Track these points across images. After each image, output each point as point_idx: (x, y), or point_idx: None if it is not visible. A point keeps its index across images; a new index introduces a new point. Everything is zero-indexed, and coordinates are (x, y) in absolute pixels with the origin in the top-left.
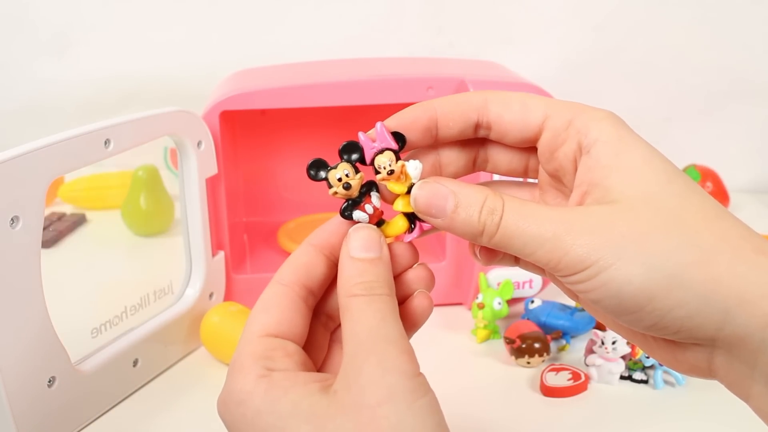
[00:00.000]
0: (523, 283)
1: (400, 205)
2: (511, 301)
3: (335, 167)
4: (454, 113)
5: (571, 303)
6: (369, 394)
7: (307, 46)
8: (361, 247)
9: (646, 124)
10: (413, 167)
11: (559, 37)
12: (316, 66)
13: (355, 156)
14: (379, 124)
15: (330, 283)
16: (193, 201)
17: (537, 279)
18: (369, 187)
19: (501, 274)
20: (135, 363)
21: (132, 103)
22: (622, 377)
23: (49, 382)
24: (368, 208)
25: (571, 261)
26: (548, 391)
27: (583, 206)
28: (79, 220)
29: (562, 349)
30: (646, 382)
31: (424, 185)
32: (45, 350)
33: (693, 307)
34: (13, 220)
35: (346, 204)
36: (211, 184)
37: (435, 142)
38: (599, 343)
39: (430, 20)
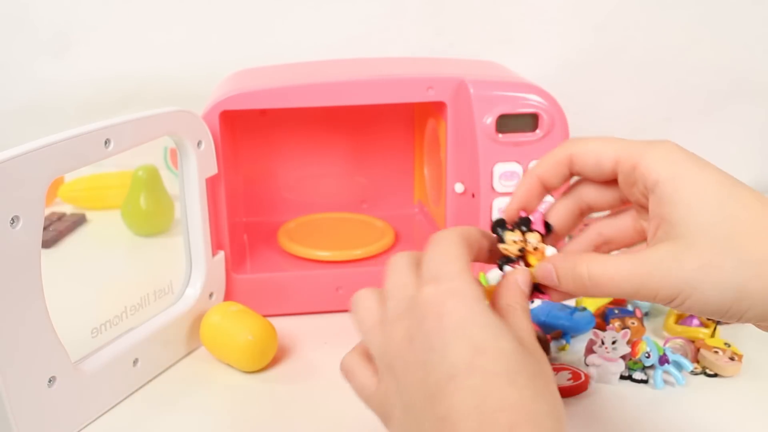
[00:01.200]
0: None
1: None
2: None
3: (512, 231)
4: (551, 174)
5: (571, 303)
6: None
7: (307, 46)
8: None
9: (646, 124)
10: (550, 251)
11: (559, 37)
12: (316, 66)
13: (524, 228)
14: (539, 213)
15: None
16: (193, 201)
17: None
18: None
19: (501, 274)
20: (135, 363)
21: (132, 103)
22: (622, 377)
23: (49, 382)
24: (515, 268)
25: (661, 299)
26: None
27: (655, 248)
28: (79, 220)
29: (562, 349)
30: (646, 382)
31: (541, 264)
32: (45, 350)
33: (760, 310)
34: (13, 220)
35: (504, 257)
36: (211, 184)
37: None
38: (599, 343)
39: (430, 20)
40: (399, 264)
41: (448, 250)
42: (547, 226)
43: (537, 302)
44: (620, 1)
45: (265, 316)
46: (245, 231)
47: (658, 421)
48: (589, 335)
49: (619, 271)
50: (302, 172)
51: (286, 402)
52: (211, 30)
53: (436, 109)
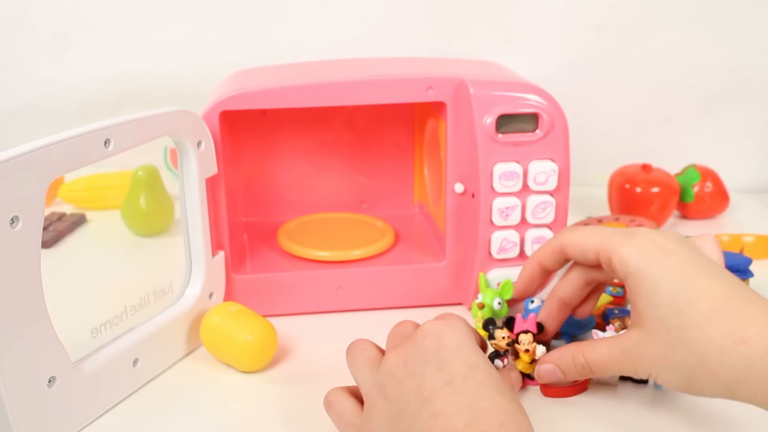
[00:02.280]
0: None
1: (520, 366)
2: (511, 301)
3: (501, 329)
4: (549, 260)
5: None
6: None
7: (307, 47)
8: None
9: (646, 124)
10: (540, 351)
11: (558, 37)
12: (316, 66)
13: (510, 326)
14: (532, 315)
15: None
16: (193, 201)
17: None
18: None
19: (501, 274)
20: (135, 363)
21: (132, 103)
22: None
23: (49, 382)
24: (504, 361)
25: (640, 374)
26: (548, 391)
27: (628, 335)
28: (79, 220)
29: None
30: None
31: (541, 367)
32: (45, 350)
33: (712, 392)
34: (13, 220)
35: (494, 352)
36: (211, 184)
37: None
38: None
39: (430, 20)
40: (398, 325)
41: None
42: (539, 326)
43: (537, 302)
44: (619, 1)
45: (265, 316)
46: (245, 231)
47: (658, 422)
48: (588, 335)
49: (609, 354)
50: (302, 172)
51: (286, 402)
52: (211, 30)
53: (436, 109)
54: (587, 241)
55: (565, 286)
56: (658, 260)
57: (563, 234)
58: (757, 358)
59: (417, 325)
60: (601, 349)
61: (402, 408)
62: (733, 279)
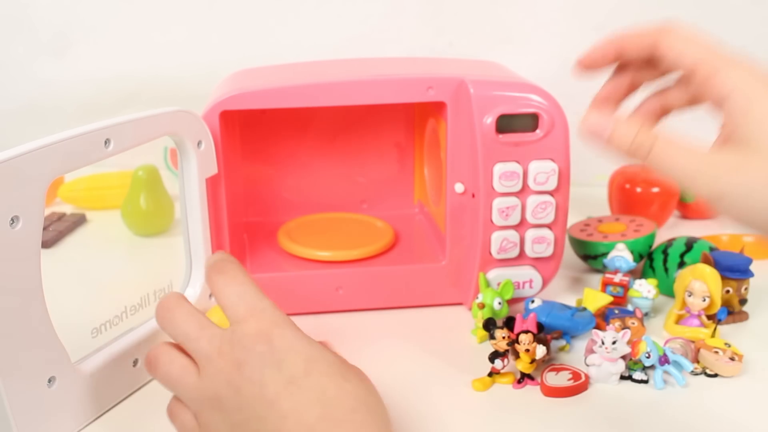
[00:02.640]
0: (523, 283)
1: (520, 366)
2: (511, 301)
3: (501, 328)
4: (634, 43)
5: (571, 303)
6: None
7: (307, 46)
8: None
9: None
10: (540, 351)
11: (559, 37)
12: (316, 66)
13: (510, 326)
14: (533, 315)
15: None
16: (193, 201)
17: (537, 279)
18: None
19: (501, 274)
20: (135, 363)
21: (132, 103)
22: (622, 377)
23: (49, 382)
24: (505, 361)
25: (709, 196)
26: (548, 391)
27: (721, 149)
28: (79, 220)
29: (562, 349)
30: (646, 382)
31: (591, 116)
32: (45, 350)
33: None
34: (13, 220)
35: (494, 352)
36: (211, 184)
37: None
38: (599, 343)
39: (430, 20)
40: (178, 312)
41: (244, 287)
42: (540, 326)
43: (537, 302)
44: (620, 1)
45: None
46: (245, 231)
47: (658, 422)
48: (589, 335)
49: (690, 152)
50: (302, 171)
51: None
52: (211, 30)
53: (436, 109)
54: (689, 48)
55: (611, 85)
56: None
57: (664, 29)
58: None
59: (199, 314)
60: (683, 144)
61: (247, 416)
62: None
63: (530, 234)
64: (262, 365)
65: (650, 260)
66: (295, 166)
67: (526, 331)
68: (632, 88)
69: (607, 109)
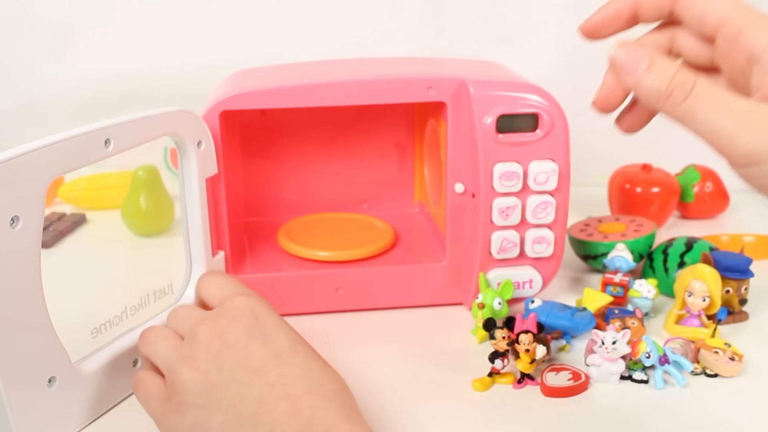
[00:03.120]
0: (523, 283)
1: (520, 366)
2: (511, 301)
3: (501, 329)
4: (651, 4)
5: (571, 303)
6: None
7: (307, 46)
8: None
9: None
10: (540, 351)
11: (559, 37)
12: (316, 66)
13: (510, 326)
14: (533, 315)
15: None
16: (193, 201)
17: (537, 279)
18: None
19: (501, 274)
20: (135, 363)
21: (132, 103)
22: (622, 377)
23: (49, 382)
24: (505, 361)
25: (746, 153)
26: (548, 391)
27: (764, 103)
28: (79, 220)
29: (562, 349)
30: (646, 382)
31: (625, 45)
32: (45, 350)
33: None
34: (13, 220)
35: (494, 352)
36: (211, 184)
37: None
38: (599, 343)
39: (430, 20)
40: (181, 306)
41: (228, 279)
42: (540, 326)
43: (537, 302)
44: None
45: None
46: (245, 231)
47: (658, 422)
48: (589, 335)
49: (723, 98)
50: (302, 171)
51: None
52: (211, 30)
53: (436, 109)
54: (715, 2)
55: (645, 42)
56: None
57: None
58: None
59: (199, 308)
60: (723, 92)
61: (225, 378)
62: None
63: (530, 234)
64: (248, 336)
65: (650, 260)
66: (295, 166)
67: (526, 331)
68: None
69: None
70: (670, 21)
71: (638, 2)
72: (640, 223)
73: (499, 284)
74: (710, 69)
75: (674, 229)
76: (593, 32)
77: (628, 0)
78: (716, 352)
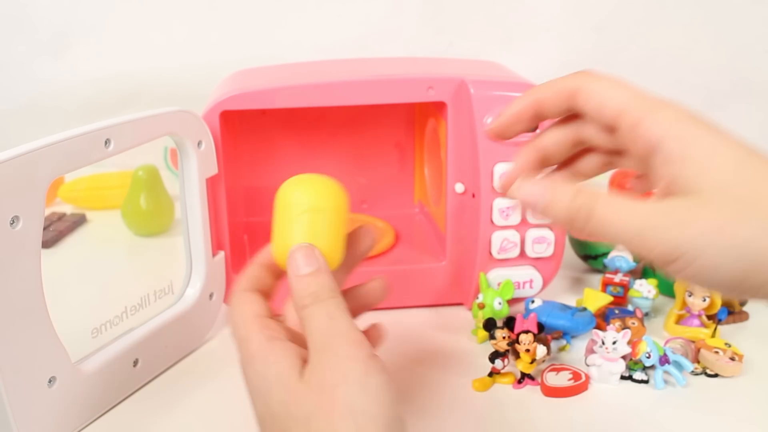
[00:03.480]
0: (523, 283)
1: (521, 366)
2: (511, 301)
3: (501, 329)
4: (552, 102)
5: (571, 303)
6: (328, 379)
7: (307, 47)
8: (303, 265)
9: None
10: (540, 351)
11: (559, 37)
12: (317, 66)
13: (510, 326)
14: (533, 315)
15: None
16: (193, 201)
17: (537, 279)
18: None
19: (501, 274)
20: (135, 363)
21: (132, 103)
22: (622, 377)
23: (49, 382)
24: (505, 361)
25: (661, 254)
26: (548, 391)
27: (667, 200)
28: (79, 220)
29: (562, 349)
30: (646, 382)
31: (522, 186)
32: (45, 350)
33: None
34: (13, 220)
35: (495, 352)
36: (211, 184)
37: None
38: (599, 343)
39: (430, 20)
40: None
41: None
42: (540, 326)
43: (537, 302)
44: (620, 1)
45: None
46: (245, 231)
47: (658, 422)
48: (589, 335)
49: (633, 209)
50: (302, 171)
51: None
52: (211, 30)
53: (436, 109)
54: (611, 95)
55: (551, 136)
56: (707, 127)
57: (581, 76)
58: None
59: None
60: (623, 201)
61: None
62: None
63: (530, 234)
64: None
65: None
66: (295, 166)
67: (527, 331)
68: (574, 147)
69: (535, 171)
70: (573, 114)
71: (539, 101)
72: None
73: (499, 284)
74: (621, 152)
75: None
76: (500, 134)
77: (530, 100)
78: (716, 352)
